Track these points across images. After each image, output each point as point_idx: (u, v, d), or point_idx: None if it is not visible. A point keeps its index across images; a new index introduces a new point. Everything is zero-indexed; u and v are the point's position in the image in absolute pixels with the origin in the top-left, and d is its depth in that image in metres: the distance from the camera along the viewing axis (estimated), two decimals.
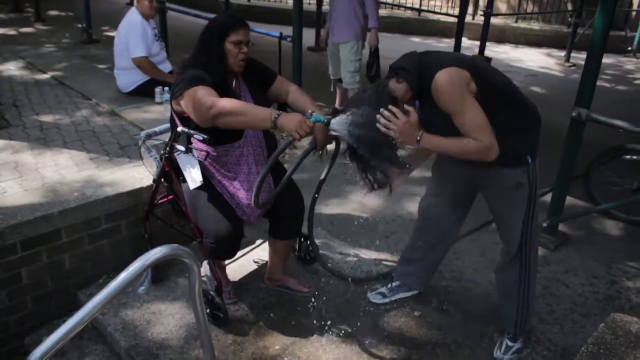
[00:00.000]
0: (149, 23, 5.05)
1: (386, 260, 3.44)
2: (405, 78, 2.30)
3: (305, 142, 2.60)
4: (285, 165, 3.13)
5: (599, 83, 3.37)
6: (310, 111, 2.39)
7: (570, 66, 8.91)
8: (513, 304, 2.66)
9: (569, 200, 3.75)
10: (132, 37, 4.92)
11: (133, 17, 5.01)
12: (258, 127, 2.56)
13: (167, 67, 5.19)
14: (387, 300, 3.04)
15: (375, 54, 5.58)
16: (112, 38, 5.33)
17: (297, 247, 3.31)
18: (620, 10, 9.69)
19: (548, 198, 3.83)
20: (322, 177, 2.93)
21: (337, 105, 6.01)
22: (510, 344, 2.71)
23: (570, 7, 10.10)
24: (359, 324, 2.89)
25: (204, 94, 2.42)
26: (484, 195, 2.66)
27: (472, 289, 3.22)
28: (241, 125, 2.52)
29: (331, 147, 2.71)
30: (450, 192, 2.76)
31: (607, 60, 3.35)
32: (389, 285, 3.07)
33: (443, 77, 2.20)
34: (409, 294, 3.07)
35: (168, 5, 6.61)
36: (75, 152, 3.87)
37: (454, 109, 2.22)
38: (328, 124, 2.34)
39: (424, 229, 2.94)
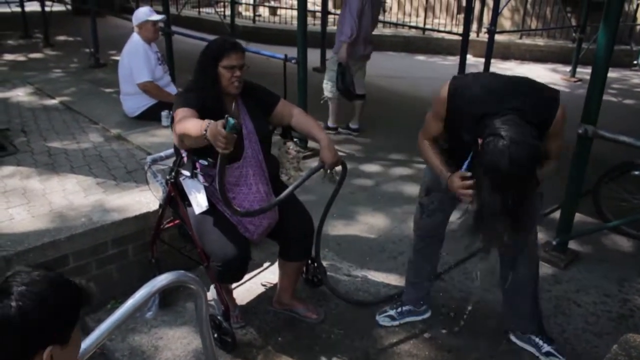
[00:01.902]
0: (151, 47, 5.10)
1: (394, 282, 3.41)
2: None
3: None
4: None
5: (604, 97, 3.36)
6: (226, 115, 2.05)
7: (575, 81, 8.91)
8: (528, 299, 2.75)
9: (578, 217, 3.72)
10: (135, 62, 4.97)
11: (134, 43, 5.06)
12: (205, 144, 2.22)
13: (172, 90, 5.23)
14: (395, 323, 3.01)
15: (342, 67, 5.55)
16: (119, 62, 5.38)
17: (305, 269, 3.29)
18: (624, 24, 9.70)
19: (557, 215, 3.81)
20: (329, 200, 2.93)
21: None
22: (541, 342, 2.77)
23: (574, 22, 10.11)
24: (367, 346, 2.86)
25: (179, 116, 2.44)
26: None
27: (481, 309, 3.18)
28: (197, 145, 2.35)
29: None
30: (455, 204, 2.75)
31: (612, 74, 3.34)
32: (399, 309, 3.04)
33: (563, 110, 2.34)
34: (419, 318, 3.04)
35: (173, 28, 6.68)
36: (82, 177, 3.89)
37: (562, 134, 2.35)
38: (235, 127, 2.02)
39: (428, 250, 2.91)
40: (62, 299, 1.28)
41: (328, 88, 5.86)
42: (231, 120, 1.99)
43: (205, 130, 2.11)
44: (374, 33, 6.00)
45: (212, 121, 2.10)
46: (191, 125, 2.28)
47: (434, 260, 3.01)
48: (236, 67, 2.62)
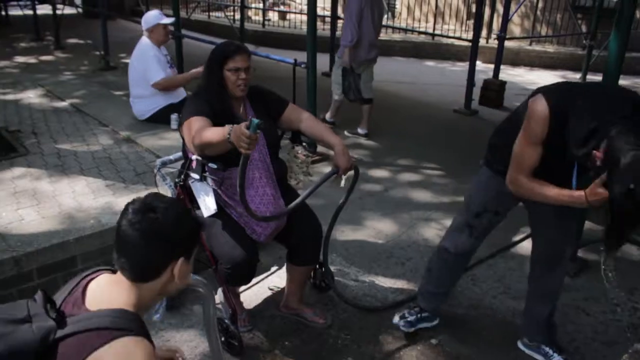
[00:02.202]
0: (160, 50, 5.13)
1: (402, 287, 3.40)
2: None
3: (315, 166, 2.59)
4: (300, 192, 3.13)
5: None
6: (250, 117, 2.13)
7: None
8: (548, 308, 2.75)
9: (587, 225, 3.69)
10: (148, 64, 4.99)
11: (144, 46, 5.08)
12: (228, 148, 2.25)
13: (181, 93, 5.25)
14: (412, 329, 2.95)
15: (345, 72, 5.61)
16: (129, 65, 5.40)
17: (312, 274, 3.28)
18: (635, 31, 9.65)
19: None
20: (340, 204, 2.93)
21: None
22: (551, 351, 2.78)
23: (584, 29, 10.08)
24: (374, 352, 2.85)
25: (195, 127, 2.45)
26: (536, 211, 2.61)
27: (490, 316, 3.16)
28: (220, 151, 2.38)
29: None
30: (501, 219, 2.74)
31: (623, 81, 3.32)
32: (418, 315, 2.96)
33: None
34: (431, 325, 3.01)
35: (184, 32, 6.71)
36: (91, 179, 3.91)
37: None
38: (259, 126, 2.05)
39: (455, 265, 2.89)
40: (192, 221, 1.56)
41: (335, 90, 6.00)
42: (255, 120, 2.03)
43: (229, 134, 2.14)
44: (382, 38, 6.03)
45: (233, 125, 2.14)
46: (211, 133, 2.32)
47: (460, 272, 3.01)
48: (241, 69, 2.63)
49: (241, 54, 2.65)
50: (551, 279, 2.73)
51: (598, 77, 8.92)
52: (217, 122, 2.50)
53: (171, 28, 5.31)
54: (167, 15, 5.31)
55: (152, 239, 1.46)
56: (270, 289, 3.33)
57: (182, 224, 1.50)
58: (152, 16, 5.09)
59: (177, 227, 1.48)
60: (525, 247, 3.87)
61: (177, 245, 1.50)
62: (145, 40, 5.10)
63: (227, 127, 2.17)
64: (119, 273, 1.50)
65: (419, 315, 2.96)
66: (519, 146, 2.27)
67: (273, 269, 3.53)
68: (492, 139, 2.65)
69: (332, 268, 3.33)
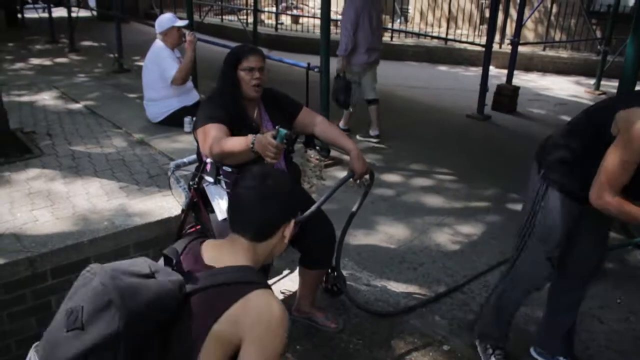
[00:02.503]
0: (174, 52, 5.15)
1: (414, 292, 3.38)
2: None
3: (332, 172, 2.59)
4: (313, 196, 3.13)
5: None
6: (277, 127, 2.12)
7: (600, 94, 8.80)
8: (571, 321, 2.73)
9: None
10: (163, 65, 5.01)
11: (158, 49, 5.11)
12: (251, 157, 2.29)
13: (194, 95, 5.27)
14: None
15: (339, 80, 5.64)
16: (143, 67, 5.44)
17: (324, 278, 3.28)
18: None
19: None
20: (355, 208, 2.92)
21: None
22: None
23: (599, 34, 10.01)
24: (386, 357, 2.84)
25: (212, 134, 2.45)
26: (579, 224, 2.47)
27: None
28: (242, 160, 2.38)
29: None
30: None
31: (638, 87, 3.30)
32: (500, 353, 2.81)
33: None
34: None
35: (197, 35, 6.73)
36: (105, 181, 3.93)
37: None
38: (287, 137, 2.08)
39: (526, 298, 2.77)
40: (298, 187, 1.88)
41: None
42: (282, 131, 2.05)
43: (252, 144, 2.16)
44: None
45: (256, 135, 2.17)
46: (232, 143, 2.33)
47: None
48: (255, 69, 2.63)
49: (255, 55, 2.66)
50: (582, 290, 2.68)
51: (612, 83, 8.90)
52: (232, 127, 2.50)
53: (185, 30, 5.33)
54: (181, 19, 5.33)
55: (271, 201, 1.64)
56: (282, 292, 3.33)
57: (292, 189, 1.76)
58: (166, 19, 5.11)
59: (289, 191, 1.72)
60: None
61: (290, 207, 1.72)
62: (159, 43, 5.13)
63: (250, 137, 2.19)
64: (232, 235, 1.67)
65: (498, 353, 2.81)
66: (614, 163, 2.08)
67: (285, 272, 3.53)
68: (558, 158, 2.41)
69: (344, 272, 3.32)
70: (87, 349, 1.30)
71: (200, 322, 1.44)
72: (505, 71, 7.83)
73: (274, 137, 2.05)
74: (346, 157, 2.75)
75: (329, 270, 3.22)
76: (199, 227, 3.03)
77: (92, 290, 1.39)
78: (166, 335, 1.45)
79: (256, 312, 1.44)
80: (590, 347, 2.96)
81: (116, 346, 1.31)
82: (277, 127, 2.10)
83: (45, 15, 10.15)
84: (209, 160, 2.58)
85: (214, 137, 2.45)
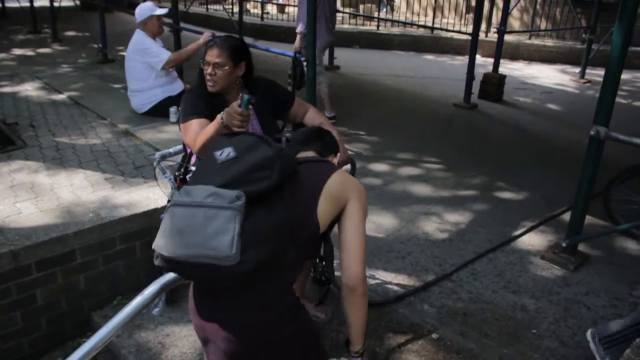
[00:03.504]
0: (156, 41, 5.10)
1: (402, 281, 3.39)
2: None
3: None
4: None
5: (615, 99, 3.32)
6: (240, 94, 2.18)
7: (585, 82, 8.85)
8: None
9: (588, 219, 3.68)
10: (149, 53, 4.95)
11: (139, 39, 5.05)
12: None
13: (179, 85, 5.22)
14: None
15: (295, 60, 5.62)
16: (125, 58, 5.37)
17: (312, 268, 3.27)
18: (638, 26, 9.62)
19: (567, 217, 3.78)
20: None
21: None
22: None
23: (584, 23, 10.05)
24: (375, 346, 2.84)
25: (194, 130, 2.47)
26: None
27: (490, 310, 3.15)
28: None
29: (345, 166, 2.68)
30: None
31: (623, 76, 3.31)
32: None
33: None
34: None
35: (182, 25, 6.66)
36: (90, 172, 3.88)
37: None
38: (251, 102, 2.12)
39: None
40: None
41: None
42: (245, 97, 2.07)
43: (222, 118, 2.19)
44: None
45: (224, 110, 2.19)
46: (206, 130, 2.36)
47: None
48: (209, 63, 2.56)
49: (214, 49, 2.57)
50: None
51: (598, 72, 8.94)
52: (213, 118, 2.48)
53: (166, 20, 5.27)
54: (163, 8, 5.27)
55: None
56: None
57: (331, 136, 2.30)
58: (145, 8, 5.05)
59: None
60: (525, 241, 3.87)
61: (332, 147, 2.22)
62: (139, 32, 5.07)
63: (219, 115, 2.23)
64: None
65: None
66: None
67: None
68: None
69: (336, 262, 3.30)
70: (248, 168, 1.58)
71: (314, 180, 1.75)
72: (492, 60, 7.84)
73: (239, 106, 2.09)
74: None
75: (317, 260, 3.21)
76: None
77: (235, 140, 1.69)
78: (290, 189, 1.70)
79: (351, 179, 1.87)
80: (578, 334, 2.98)
81: (272, 165, 1.60)
82: (240, 94, 2.14)
83: (27, 4, 9.99)
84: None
85: (195, 132, 2.44)
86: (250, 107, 2.09)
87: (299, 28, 5.83)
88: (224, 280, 1.54)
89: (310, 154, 1.91)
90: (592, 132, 3.28)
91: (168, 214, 1.58)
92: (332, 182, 1.76)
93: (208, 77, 2.59)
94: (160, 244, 1.56)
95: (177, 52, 5.01)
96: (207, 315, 1.67)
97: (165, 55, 4.95)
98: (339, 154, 2.09)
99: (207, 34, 4.93)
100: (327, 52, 6.17)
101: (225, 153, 1.62)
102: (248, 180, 1.56)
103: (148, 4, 5.16)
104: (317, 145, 1.98)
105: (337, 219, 1.81)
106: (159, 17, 5.05)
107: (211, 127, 2.33)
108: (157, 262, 1.59)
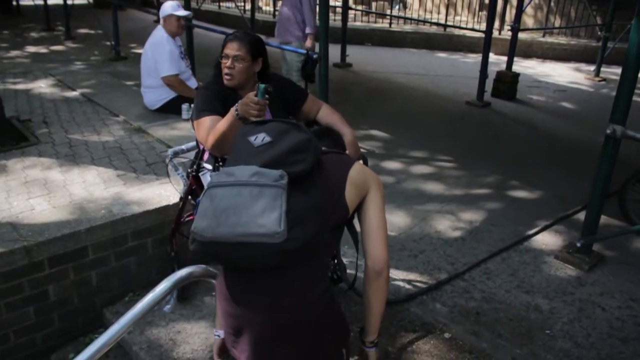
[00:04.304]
0: (175, 41, 5.10)
1: (415, 280, 3.36)
2: None
3: None
4: None
5: (632, 98, 3.28)
6: (257, 84, 2.20)
7: (600, 80, 8.76)
8: None
9: (603, 218, 3.63)
10: (160, 56, 4.96)
11: (158, 36, 5.05)
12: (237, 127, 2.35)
13: (192, 83, 5.22)
14: None
15: (309, 57, 5.59)
16: (139, 55, 5.38)
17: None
18: None
19: (581, 216, 3.73)
20: None
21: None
22: None
23: (599, 20, 9.95)
24: (387, 345, 2.82)
25: (207, 126, 2.45)
26: None
27: (503, 310, 3.12)
28: (232, 136, 2.41)
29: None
30: None
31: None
32: None
33: None
34: None
35: (195, 22, 6.67)
36: (102, 169, 3.89)
37: None
38: (268, 91, 2.14)
39: None
40: None
41: (296, 78, 5.82)
42: (262, 86, 2.08)
43: (236, 111, 2.20)
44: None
45: (238, 102, 2.20)
46: (220, 124, 2.35)
47: None
48: (228, 56, 2.54)
49: (233, 42, 2.55)
50: None
51: (613, 70, 8.85)
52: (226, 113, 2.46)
53: (183, 22, 5.27)
54: (188, 11, 5.29)
55: None
56: None
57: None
58: (168, 6, 5.07)
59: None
60: (539, 240, 3.83)
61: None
62: (160, 30, 5.08)
63: (232, 108, 2.25)
64: None
65: None
66: None
67: None
68: None
69: (344, 260, 3.29)
70: (286, 151, 1.60)
71: (338, 168, 1.78)
72: (505, 58, 7.78)
73: (255, 95, 2.10)
74: None
75: (329, 259, 3.20)
76: None
77: (266, 126, 1.69)
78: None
79: (370, 170, 1.88)
80: (592, 335, 2.94)
81: (307, 148, 1.63)
82: (257, 84, 2.15)
83: (41, 2, 10.05)
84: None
85: (208, 128, 2.42)
86: (267, 96, 2.10)
87: (309, 29, 5.91)
88: (269, 260, 1.54)
89: (324, 148, 1.92)
90: (608, 131, 3.24)
91: (207, 196, 1.57)
92: (354, 171, 1.79)
93: (226, 71, 2.56)
94: (202, 225, 1.53)
95: (183, 84, 5.02)
96: (242, 301, 1.67)
97: (168, 72, 4.95)
98: (346, 153, 2.11)
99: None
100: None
101: (260, 138, 1.64)
102: (286, 163, 1.58)
103: (172, 3, 5.14)
104: (328, 141, 2.02)
105: (357, 208, 1.83)
106: (178, 17, 5.05)
107: (224, 122, 2.32)
108: (192, 246, 1.58)
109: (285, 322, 1.66)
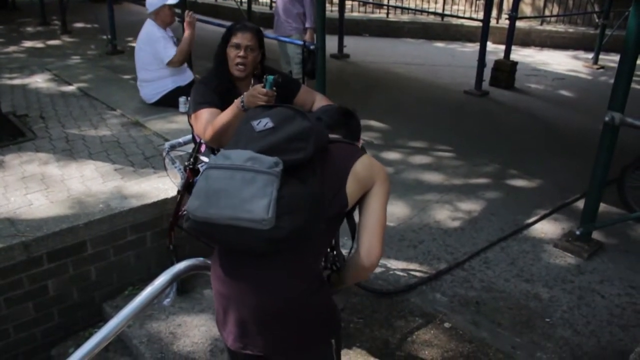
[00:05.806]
0: (167, 31, 5.07)
1: (414, 270, 3.37)
2: None
3: None
4: None
5: (630, 85, 3.26)
6: (265, 75, 2.25)
7: (598, 68, 8.73)
8: None
9: (602, 206, 3.63)
10: (157, 45, 4.93)
11: (150, 29, 5.03)
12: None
13: (188, 75, 5.20)
14: None
15: (310, 51, 5.57)
16: (135, 48, 5.35)
17: (324, 257, 3.25)
18: None
19: (580, 204, 3.73)
20: None
21: None
22: None
23: (596, 7, 9.90)
24: (387, 336, 2.82)
25: (205, 119, 2.45)
26: None
27: (503, 299, 3.13)
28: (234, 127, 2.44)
29: None
30: None
31: (638, 61, 3.25)
32: None
33: None
34: None
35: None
36: (100, 163, 3.88)
37: None
38: (277, 82, 2.20)
39: None
40: None
41: (296, 70, 5.82)
42: (270, 77, 2.11)
43: (242, 103, 2.22)
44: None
45: (244, 94, 2.22)
46: (222, 116, 2.36)
47: None
48: (241, 45, 2.55)
49: (244, 31, 2.57)
50: None
51: (611, 57, 8.82)
52: (224, 108, 2.46)
53: (177, 10, 5.24)
54: None
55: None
56: None
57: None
58: None
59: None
60: (538, 229, 3.83)
61: (357, 131, 2.14)
62: (150, 23, 5.05)
63: (238, 99, 2.25)
64: None
65: None
66: None
67: None
68: None
69: (343, 251, 3.29)
70: (286, 138, 1.61)
71: (343, 160, 1.77)
72: (503, 46, 7.75)
73: (263, 87, 2.13)
74: None
75: (328, 249, 3.19)
76: None
77: (271, 112, 1.70)
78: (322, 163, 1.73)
79: (378, 164, 1.85)
80: (592, 322, 2.95)
81: (308, 136, 1.63)
82: (265, 75, 2.17)
83: None
84: (204, 140, 2.54)
85: (206, 120, 2.42)
86: (274, 88, 2.13)
87: (309, 23, 5.84)
88: (256, 245, 1.56)
89: (336, 137, 1.92)
90: (606, 118, 3.23)
91: (203, 177, 1.59)
92: (360, 164, 1.78)
93: (239, 61, 2.56)
94: (195, 205, 1.56)
95: (178, 51, 4.98)
96: (232, 282, 1.69)
97: (172, 52, 4.93)
98: (361, 140, 2.09)
99: (189, 15, 4.96)
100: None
101: (263, 123, 1.65)
102: (285, 150, 1.59)
103: None
104: (343, 130, 2.00)
105: (359, 201, 1.83)
106: (170, 6, 5.03)
107: (228, 113, 2.32)
108: (186, 224, 1.59)
109: (273, 306, 1.67)
